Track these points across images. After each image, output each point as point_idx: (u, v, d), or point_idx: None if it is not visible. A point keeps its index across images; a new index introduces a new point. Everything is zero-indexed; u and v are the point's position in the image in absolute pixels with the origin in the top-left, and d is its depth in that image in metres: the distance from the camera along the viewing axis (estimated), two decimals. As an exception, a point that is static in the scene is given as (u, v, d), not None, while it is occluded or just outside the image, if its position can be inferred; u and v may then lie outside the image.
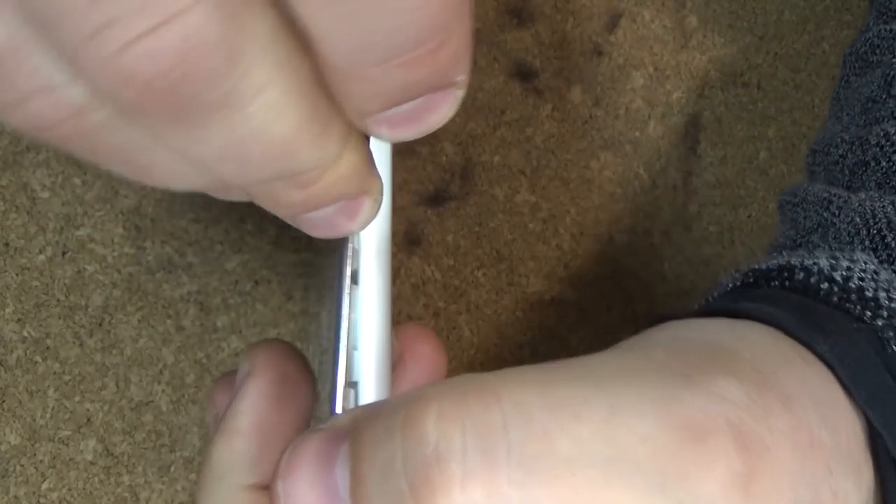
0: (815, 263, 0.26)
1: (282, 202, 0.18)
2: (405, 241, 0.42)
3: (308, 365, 0.26)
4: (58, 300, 0.40)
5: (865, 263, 0.26)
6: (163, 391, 0.40)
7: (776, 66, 0.45)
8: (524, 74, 0.44)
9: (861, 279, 0.25)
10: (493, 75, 0.43)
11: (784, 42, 0.45)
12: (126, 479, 0.39)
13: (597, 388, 0.20)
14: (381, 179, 0.20)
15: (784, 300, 0.25)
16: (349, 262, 0.23)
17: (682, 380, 0.20)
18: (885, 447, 0.23)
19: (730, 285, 0.28)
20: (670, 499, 0.18)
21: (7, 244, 0.40)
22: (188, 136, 0.16)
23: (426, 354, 0.27)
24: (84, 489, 0.39)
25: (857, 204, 0.28)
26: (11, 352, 0.39)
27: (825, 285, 0.25)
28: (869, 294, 0.25)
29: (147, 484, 0.39)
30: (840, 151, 0.32)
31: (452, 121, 0.46)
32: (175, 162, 0.17)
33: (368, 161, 0.19)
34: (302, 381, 0.25)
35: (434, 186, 0.42)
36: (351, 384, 0.23)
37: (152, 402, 0.40)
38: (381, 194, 0.20)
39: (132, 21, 0.14)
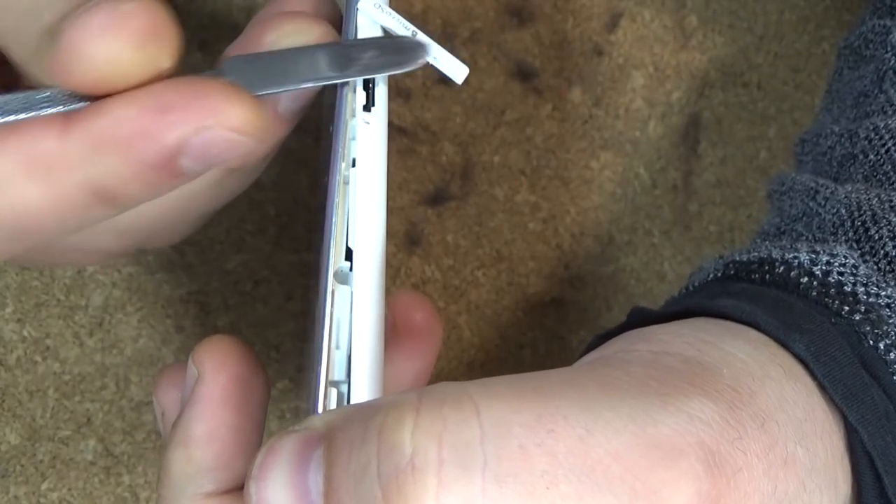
0: (795, 257, 0.26)
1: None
2: (405, 241, 0.42)
3: (258, 360, 0.25)
4: (58, 300, 0.40)
5: (845, 258, 0.26)
6: (163, 391, 0.40)
7: (776, 66, 0.45)
8: (524, 74, 0.44)
9: (840, 273, 0.25)
10: (493, 75, 0.43)
11: (784, 42, 0.45)
12: (126, 479, 0.39)
13: (574, 404, 0.20)
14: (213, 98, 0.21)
15: (763, 296, 0.25)
16: (332, 259, 0.23)
17: (657, 399, 0.20)
18: (860, 443, 0.23)
19: (710, 276, 0.28)
20: None
21: (7, 244, 0.40)
22: None
23: (420, 324, 0.27)
24: (84, 489, 0.39)
25: (842, 195, 0.29)
26: (11, 352, 0.39)
27: (805, 279, 0.26)
28: (847, 289, 0.25)
29: (147, 484, 0.39)
30: (829, 143, 0.32)
31: (452, 121, 0.46)
32: None
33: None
34: (255, 380, 0.25)
35: (434, 186, 0.42)
36: (332, 383, 0.22)
37: (152, 402, 0.40)
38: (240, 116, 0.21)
39: None
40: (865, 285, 0.25)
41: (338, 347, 0.22)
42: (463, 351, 0.42)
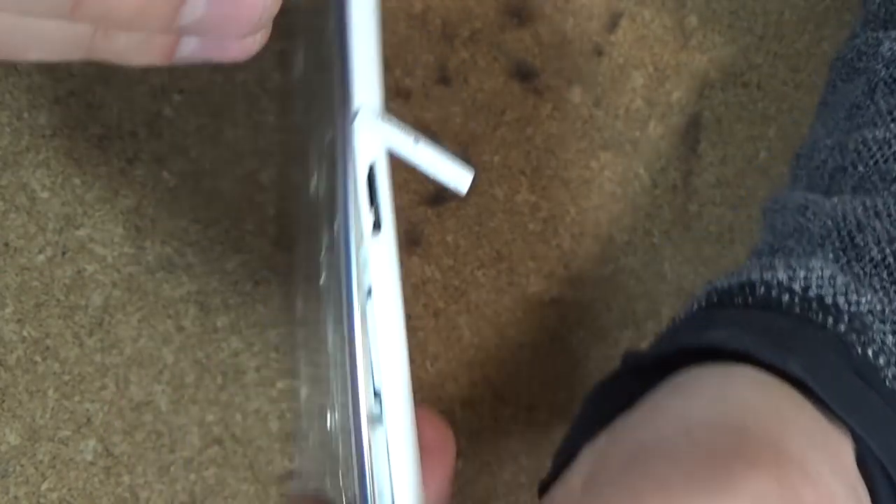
0: (773, 276, 0.26)
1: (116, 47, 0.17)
2: (405, 241, 0.42)
3: None
4: (58, 300, 0.40)
5: (822, 269, 0.26)
6: (163, 391, 0.40)
7: (776, 66, 0.45)
8: (524, 74, 0.44)
9: (819, 286, 0.26)
10: (493, 75, 0.43)
11: (784, 42, 0.45)
12: (126, 479, 0.39)
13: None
14: None
15: (749, 321, 0.26)
16: (361, 403, 0.22)
17: (726, 478, 0.20)
18: (870, 451, 0.23)
19: (695, 306, 0.28)
20: None
21: (7, 244, 0.40)
22: None
23: (434, 441, 0.26)
24: (84, 489, 0.39)
25: (829, 208, 0.29)
26: (11, 352, 0.39)
27: (786, 297, 0.26)
28: (829, 301, 0.25)
29: (147, 484, 0.39)
30: (822, 156, 0.32)
31: (452, 121, 0.46)
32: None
33: None
34: None
35: (434, 186, 0.42)
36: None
37: (152, 402, 0.40)
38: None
39: None
40: (845, 294, 0.26)
41: (381, 494, 0.22)
42: (463, 351, 0.42)
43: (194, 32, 0.19)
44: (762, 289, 0.26)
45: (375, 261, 0.22)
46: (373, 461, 0.22)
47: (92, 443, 0.39)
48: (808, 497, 0.20)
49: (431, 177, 0.23)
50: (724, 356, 0.25)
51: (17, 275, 0.40)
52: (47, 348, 0.40)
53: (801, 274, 0.26)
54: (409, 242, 0.42)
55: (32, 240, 0.40)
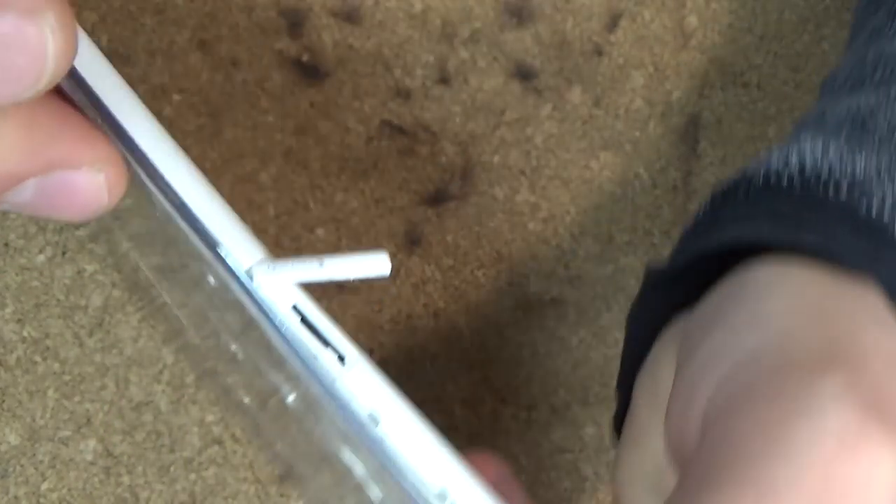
0: (768, 165, 0.27)
1: None
2: (405, 241, 0.42)
3: None
4: (58, 300, 0.40)
5: (813, 142, 0.27)
6: (163, 391, 0.40)
7: (776, 66, 0.45)
8: (524, 74, 0.44)
9: (813, 162, 0.26)
10: (493, 75, 0.43)
11: (784, 42, 0.45)
12: (126, 479, 0.39)
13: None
14: (96, 146, 0.16)
15: (754, 212, 0.26)
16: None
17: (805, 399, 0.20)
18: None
19: (701, 213, 0.29)
20: None
21: (7, 244, 0.40)
22: None
23: (496, 481, 0.25)
24: (84, 489, 0.39)
25: (844, 106, 0.30)
26: (11, 352, 0.39)
27: (784, 182, 0.26)
28: (824, 175, 0.26)
29: (147, 484, 0.39)
30: (843, 76, 0.33)
31: (452, 121, 0.46)
32: None
33: (33, 129, 0.15)
34: None
35: (434, 186, 0.42)
36: None
37: (152, 402, 0.40)
38: (113, 166, 0.17)
39: None
40: (841, 160, 0.26)
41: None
42: (463, 351, 0.42)
43: (20, 210, 0.17)
44: (760, 180, 0.27)
45: (363, 388, 0.21)
46: None
47: (92, 443, 0.39)
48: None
49: (353, 280, 0.22)
50: (740, 252, 0.25)
51: (17, 275, 0.40)
52: (47, 348, 0.40)
53: (794, 158, 0.27)
54: (409, 242, 0.42)
55: (32, 240, 0.40)
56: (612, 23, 0.44)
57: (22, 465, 0.39)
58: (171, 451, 0.40)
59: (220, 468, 0.40)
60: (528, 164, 0.43)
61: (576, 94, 0.44)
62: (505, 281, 0.42)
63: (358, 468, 0.25)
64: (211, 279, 0.24)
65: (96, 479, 0.39)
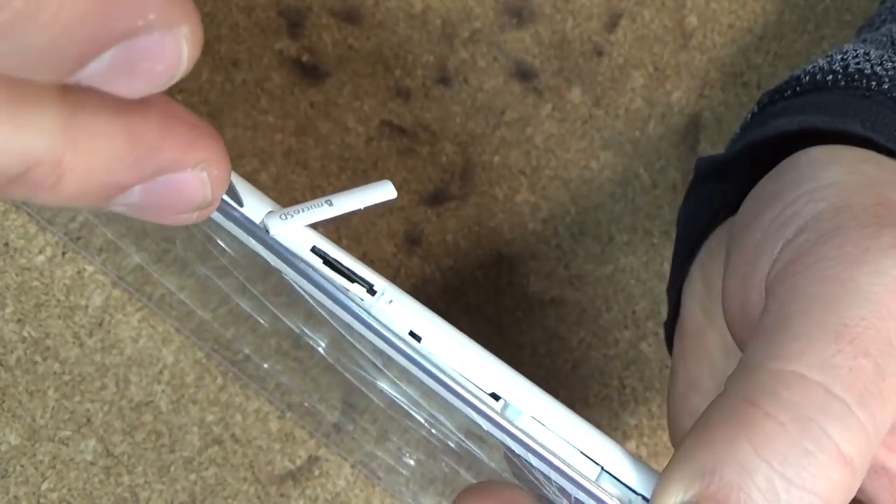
0: (814, 65, 0.29)
1: (42, 203, 0.16)
2: (405, 241, 0.42)
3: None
4: (58, 300, 0.40)
5: (855, 49, 0.29)
6: (163, 391, 0.40)
7: (776, 66, 0.45)
8: (524, 74, 0.44)
9: (857, 62, 0.29)
10: (493, 75, 0.43)
11: (784, 42, 0.45)
12: (126, 479, 0.39)
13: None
14: (207, 150, 0.17)
15: (802, 104, 0.28)
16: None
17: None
18: None
19: (749, 115, 0.31)
20: None
21: (7, 244, 0.40)
22: None
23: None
24: (84, 489, 0.39)
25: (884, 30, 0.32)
26: (11, 352, 0.39)
27: (829, 77, 0.29)
28: (868, 71, 0.28)
29: (147, 484, 0.39)
30: (881, 18, 0.36)
31: (452, 121, 0.46)
32: None
33: (134, 139, 0.16)
34: None
35: (434, 186, 0.42)
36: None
37: (152, 402, 0.40)
38: (218, 164, 0.18)
39: None
40: (881, 63, 0.28)
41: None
42: (463, 351, 0.42)
43: (128, 212, 0.18)
44: (807, 77, 0.29)
45: (398, 312, 0.22)
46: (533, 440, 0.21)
47: (92, 443, 0.39)
48: None
49: (364, 210, 0.22)
50: (788, 145, 0.27)
51: (17, 275, 0.40)
52: (47, 348, 0.40)
53: (839, 57, 0.29)
54: (409, 242, 0.42)
55: (32, 240, 0.40)
56: (612, 23, 0.44)
57: (22, 465, 0.39)
58: (171, 451, 0.40)
59: (220, 468, 0.40)
60: (528, 164, 0.43)
61: (576, 94, 0.44)
62: (505, 281, 0.42)
63: (401, 398, 0.26)
64: (220, 242, 0.25)
65: (96, 479, 0.39)
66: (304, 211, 0.22)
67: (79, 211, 0.38)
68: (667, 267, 0.44)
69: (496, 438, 0.22)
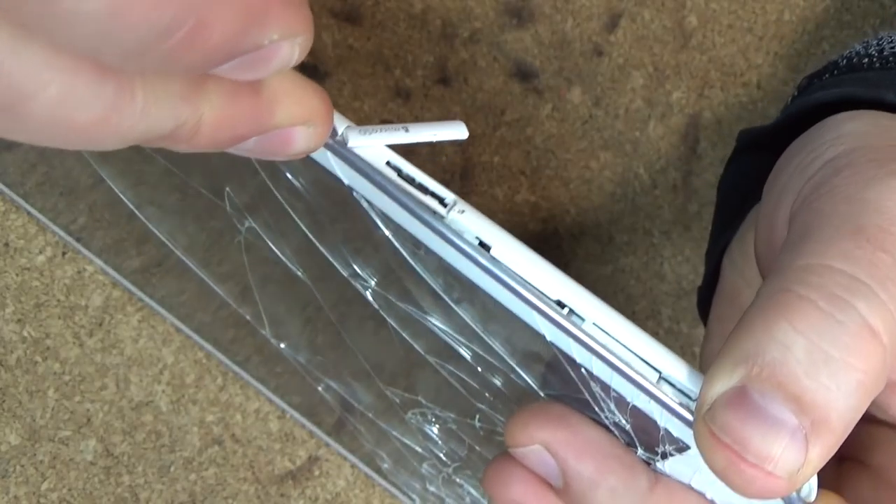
0: (851, 50, 0.32)
1: (180, 148, 0.19)
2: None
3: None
4: (58, 300, 0.40)
5: (891, 36, 0.31)
6: (163, 391, 0.40)
7: (776, 66, 0.45)
8: (524, 74, 0.44)
9: (892, 46, 0.30)
10: (493, 75, 0.43)
11: (784, 42, 0.45)
12: (126, 479, 0.39)
13: None
14: (314, 106, 0.20)
15: (840, 81, 0.30)
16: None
17: None
18: None
19: (790, 98, 0.33)
20: None
21: (7, 244, 0.40)
22: None
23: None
24: (84, 489, 0.39)
25: None
26: (11, 352, 0.39)
27: (865, 60, 0.30)
28: None
29: (147, 484, 0.39)
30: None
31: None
32: None
33: (257, 103, 0.19)
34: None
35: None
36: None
37: (152, 402, 0.40)
38: (322, 121, 0.20)
39: None
40: None
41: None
42: (463, 351, 0.42)
43: (243, 153, 0.21)
44: (844, 61, 0.31)
45: (469, 222, 0.23)
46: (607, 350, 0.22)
47: (92, 443, 0.39)
48: None
49: (436, 142, 0.24)
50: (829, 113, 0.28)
51: (17, 275, 0.40)
52: (47, 348, 0.40)
53: (874, 42, 0.31)
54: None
55: (32, 240, 0.40)
56: (612, 23, 0.44)
57: (22, 465, 0.39)
58: (171, 451, 0.40)
59: (220, 468, 0.40)
60: (528, 164, 0.43)
61: (576, 95, 0.44)
62: (505, 281, 0.42)
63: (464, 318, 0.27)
64: (288, 174, 0.26)
65: (96, 479, 0.39)
66: (381, 131, 0.23)
67: (79, 212, 0.38)
68: (667, 267, 0.44)
69: (556, 348, 0.22)
